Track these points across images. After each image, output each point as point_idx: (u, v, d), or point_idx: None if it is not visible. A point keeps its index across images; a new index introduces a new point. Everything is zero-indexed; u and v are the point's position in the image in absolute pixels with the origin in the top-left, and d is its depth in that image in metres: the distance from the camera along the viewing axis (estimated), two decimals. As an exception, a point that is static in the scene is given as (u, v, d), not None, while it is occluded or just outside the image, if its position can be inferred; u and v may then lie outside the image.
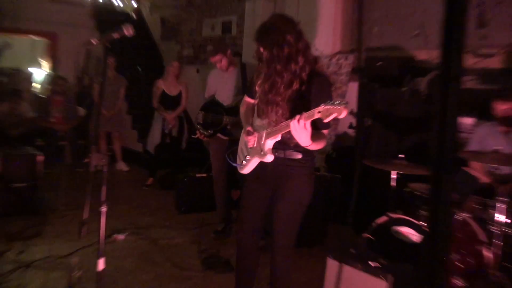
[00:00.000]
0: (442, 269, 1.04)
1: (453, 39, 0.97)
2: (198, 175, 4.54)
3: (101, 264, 1.96)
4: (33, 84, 7.14)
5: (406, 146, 3.85)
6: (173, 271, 3.10)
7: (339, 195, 3.88)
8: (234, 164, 2.41)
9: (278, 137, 2.07)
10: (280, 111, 2.03)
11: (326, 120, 1.71)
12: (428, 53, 4.07)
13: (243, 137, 2.37)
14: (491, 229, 2.59)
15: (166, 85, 5.28)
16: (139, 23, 7.73)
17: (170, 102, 5.29)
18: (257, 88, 2.15)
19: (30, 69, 7.46)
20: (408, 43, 4.32)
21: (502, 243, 2.53)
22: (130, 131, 6.92)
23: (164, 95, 5.26)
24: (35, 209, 3.96)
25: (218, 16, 6.84)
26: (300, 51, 1.98)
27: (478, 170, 3.10)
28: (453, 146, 0.91)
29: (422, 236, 2.61)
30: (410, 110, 3.98)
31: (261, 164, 2.19)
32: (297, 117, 1.82)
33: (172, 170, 5.50)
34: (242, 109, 2.45)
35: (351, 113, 4.32)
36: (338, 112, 1.66)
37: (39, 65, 7.63)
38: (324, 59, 4.82)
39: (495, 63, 3.73)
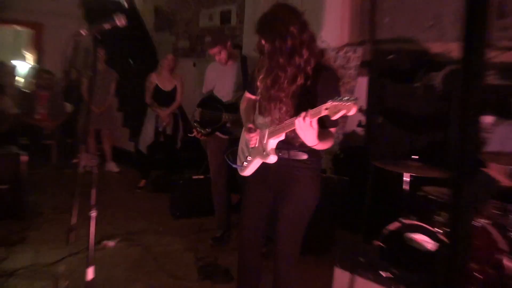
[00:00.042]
0: (462, 280, 1.03)
1: (475, 31, 0.96)
2: (194, 177, 4.53)
3: (90, 273, 1.96)
4: (17, 78, 7.13)
5: (420, 146, 3.84)
6: (167, 281, 3.10)
7: (347, 199, 3.87)
8: (234, 166, 2.41)
9: (282, 136, 2.07)
10: (284, 108, 2.03)
11: (334, 118, 1.71)
12: (443, 46, 4.05)
13: (243, 136, 2.37)
14: (512, 237, 2.58)
15: (160, 80, 5.28)
16: (131, 12, 7.72)
17: (164, 97, 5.28)
18: (258, 84, 2.15)
19: (14, 62, 7.45)
20: (422, 35, 4.30)
21: (524, 252, 2.52)
22: (121, 129, 6.91)
23: (157, 90, 5.26)
24: (18, 213, 3.95)
25: (216, 5, 6.83)
26: (304, 43, 1.98)
27: (497, 172, 3.09)
28: (475, 147, 0.91)
29: (438, 244, 2.60)
30: (424, 107, 3.97)
31: (264, 166, 2.19)
32: (303, 114, 1.82)
33: (166, 172, 5.49)
34: (242, 106, 2.45)
35: (360, 110, 4.32)
36: (347, 109, 1.66)
37: (23, 58, 7.62)
38: (331, 52, 4.81)
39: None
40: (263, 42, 2.03)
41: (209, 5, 6.96)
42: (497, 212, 2.77)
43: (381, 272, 2.36)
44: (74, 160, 5.71)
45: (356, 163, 4.14)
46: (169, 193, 4.60)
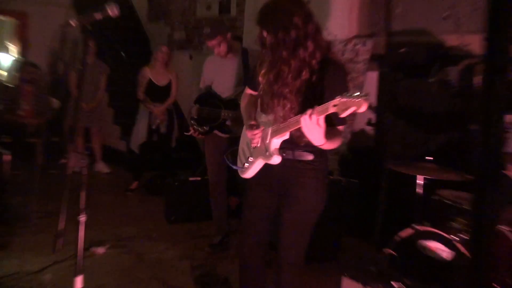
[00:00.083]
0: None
1: (498, 26, 0.95)
2: (190, 179, 4.53)
3: (78, 283, 1.95)
4: (-1, 71, 7.14)
5: (435, 147, 3.83)
6: (161, 290, 3.10)
7: (355, 203, 3.86)
8: (234, 167, 2.41)
9: (286, 135, 2.07)
10: (288, 105, 2.03)
11: (342, 115, 1.70)
12: (459, 38, 4.04)
13: (244, 135, 2.36)
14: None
15: (154, 74, 5.27)
16: (122, 1, 7.71)
17: (158, 93, 5.28)
18: (260, 79, 2.14)
19: (-4, 54, 7.45)
20: (436, 26, 4.29)
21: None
22: (111, 127, 6.91)
23: (151, 85, 5.25)
24: (1, 217, 3.94)
25: (214, -7, 6.83)
26: (309, 35, 1.97)
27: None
28: (499, 148, 0.90)
29: (454, 253, 2.59)
30: (439, 104, 3.96)
31: (266, 167, 2.19)
32: (309, 111, 1.81)
33: (160, 173, 5.49)
34: (242, 103, 2.44)
35: (369, 107, 4.30)
36: (357, 106, 1.65)
37: (5, 50, 7.62)
38: (338, 45, 4.80)
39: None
40: (265, 34, 2.03)
41: (207, -7, 6.95)
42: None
43: (392, 283, 2.36)
44: (62, 161, 5.71)
45: (365, 165, 4.13)
46: (163, 196, 4.60)
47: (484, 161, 0.92)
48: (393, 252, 2.85)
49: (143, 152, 5.40)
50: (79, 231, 1.89)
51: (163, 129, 5.36)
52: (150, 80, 5.25)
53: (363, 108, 1.66)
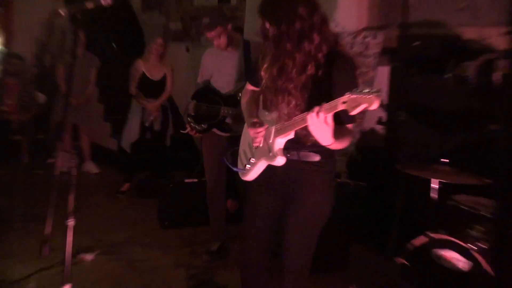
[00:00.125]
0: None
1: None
2: (186, 181, 4.52)
3: (66, 292, 1.95)
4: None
5: (450, 148, 3.82)
6: (155, 301, 3.11)
7: (364, 208, 3.86)
8: (234, 169, 2.41)
9: (291, 135, 2.07)
10: (293, 102, 2.03)
11: (353, 113, 1.70)
12: (478, 31, 4.03)
13: (246, 134, 2.36)
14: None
15: (148, 67, 5.27)
16: (114, -12, 7.70)
17: (152, 87, 5.29)
18: (262, 73, 2.14)
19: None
20: (453, 18, 4.28)
21: None
22: (101, 124, 6.90)
23: (144, 79, 5.26)
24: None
25: (213, -19, 6.82)
26: (315, 26, 1.97)
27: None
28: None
29: (471, 263, 2.59)
30: (455, 102, 3.95)
31: (269, 169, 2.18)
32: (316, 109, 1.81)
33: (154, 174, 5.49)
34: (243, 100, 2.45)
35: (380, 105, 4.30)
36: (369, 103, 1.66)
37: (-12, 40, 7.61)
38: (347, 37, 4.79)
39: None
40: (267, 25, 2.03)
41: (205, -20, 6.95)
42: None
43: (404, 294, 2.35)
44: (50, 160, 5.70)
45: (375, 167, 4.12)
46: (157, 199, 4.59)
47: (507, 164, 0.91)
48: (406, 262, 2.84)
49: (135, 151, 5.40)
50: (67, 236, 1.89)
51: (157, 127, 5.37)
52: (143, 73, 5.25)
53: (375, 105, 1.66)
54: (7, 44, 7.31)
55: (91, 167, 6.19)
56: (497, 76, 3.63)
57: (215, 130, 3.56)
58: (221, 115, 3.50)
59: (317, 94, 1.97)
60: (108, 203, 5.08)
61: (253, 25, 5.25)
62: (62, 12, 1.99)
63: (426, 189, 2.97)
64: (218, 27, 3.40)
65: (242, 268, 2.36)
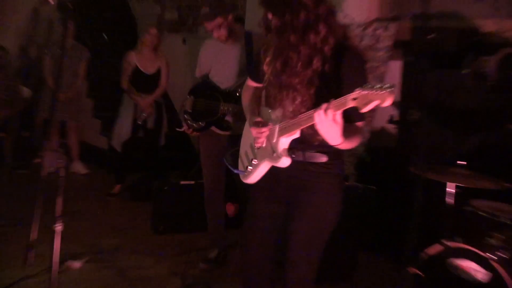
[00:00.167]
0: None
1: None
2: (182, 183, 4.53)
3: (52, 302, 1.94)
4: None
5: (468, 150, 3.82)
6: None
7: (374, 213, 3.86)
8: (235, 171, 2.40)
9: (297, 134, 2.07)
10: (299, 99, 2.03)
11: (363, 110, 1.70)
12: (497, 23, 4.04)
13: (247, 133, 2.36)
14: None
15: (141, 60, 5.28)
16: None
17: (145, 82, 5.29)
18: (265, 68, 2.14)
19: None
20: (471, 9, 4.28)
21: None
22: (90, 120, 6.91)
23: (137, 72, 5.26)
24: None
25: (212, -33, 6.81)
26: (321, 17, 1.97)
27: None
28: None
29: (490, 273, 2.58)
30: (473, 100, 3.96)
31: (273, 171, 2.18)
32: (324, 106, 1.81)
33: (147, 175, 5.49)
34: (244, 97, 2.45)
35: (391, 104, 4.29)
36: (381, 99, 1.66)
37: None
38: (356, 29, 4.78)
39: None
40: (269, 16, 2.03)
41: (204, -33, 6.95)
42: None
43: (417, 307, 2.35)
44: (36, 160, 5.69)
45: (386, 169, 4.12)
46: (150, 202, 4.59)
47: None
48: (419, 272, 2.84)
49: (127, 151, 5.40)
50: (55, 242, 1.89)
51: (150, 124, 5.37)
52: (136, 67, 5.26)
53: (388, 102, 1.66)
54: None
55: (79, 168, 6.19)
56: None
57: (213, 128, 3.55)
58: (221, 112, 3.49)
59: (324, 90, 1.98)
60: (98, 207, 5.08)
61: (255, 15, 5.25)
62: (50, 0, 1.99)
63: (442, 193, 2.97)
64: (218, 17, 3.39)
65: (243, 278, 2.36)
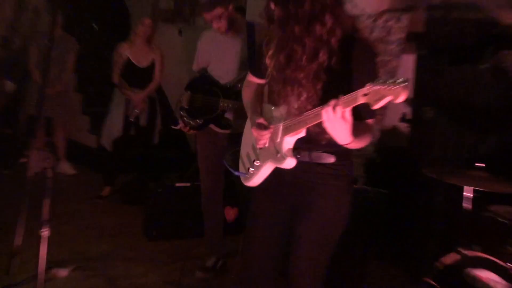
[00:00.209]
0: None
1: None
2: (177, 185, 4.53)
3: (37, 314, 1.94)
4: None
5: (486, 150, 3.82)
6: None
7: (385, 219, 3.85)
8: (236, 173, 2.40)
9: (302, 133, 2.06)
10: (305, 95, 2.03)
11: (375, 106, 1.70)
12: (519, 15, 4.04)
13: (248, 132, 2.35)
14: None
15: (133, 52, 5.29)
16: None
17: (138, 76, 5.30)
18: (267, 61, 2.13)
19: None
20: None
21: None
22: (78, 117, 6.91)
23: (129, 65, 5.27)
24: None
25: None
26: (327, 7, 1.96)
27: None
28: None
29: (511, 285, 2.58)
30: (492, 97, 3.95)
31: (276, 172, 2.18)
32: (332, 102, 1.80)
33: (139, 176, 5.49)
34: (245, 93, 2.45)
35: (404, 100, 4.29)
36: (394, 95, 1.65)
37: None
38: (366, 20, 4.79)
39: None
40: (272, 5, 2.03)
41: (202, -48, 6.95)
42: None
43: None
44: (22, 160, 5.69)
45: (398, 171, 4.12)
46: (143, 206, 4.59)
47: None
48: (434, 283, 2.83)
49: (118, 150, 5.41)
50: (41, 248, 1.88)
51: (143, 122, 5.37)
52: (128, 59, 5.26)
53: (402, 97, 1.65)
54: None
55: (66, 168, 6.20)
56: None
57: (212, 126, 3.56)
58: (220, 109, 3.49)
59: (332, 85, 1.97)
60: (86, 210, 5.08)
61: (256, 4, 5.25)
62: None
63: (458, 198, 2.97)
64: (218, 7, 3.39)
65: (243, 288, 2.36)
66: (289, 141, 2.09)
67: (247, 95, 2.42)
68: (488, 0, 4.28)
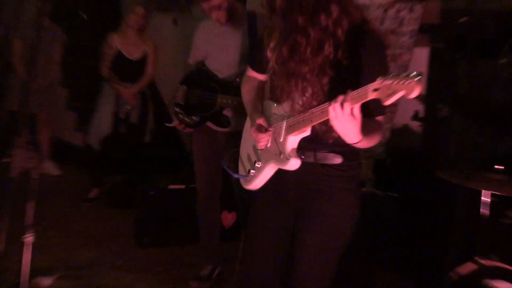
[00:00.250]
0: None
1: None
2: (171, 187, 4.54)
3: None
4: None
5: (506, 151, 3.82)
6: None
7: (395, 225, 3.86)
8: (235, 175, 2.40)
9: (307, 131, 2.06)
10: (310, 90, 2.03)
11: (387, 102, 1.70)
12: (541, 6, 4.05)
13: (249, 131, 2.34)
14: None
15: (124, 43, 5.30)
16: None
17: (129, 69, 5.32)
18: (269, 54, 2.13)
19: None
20: (510, -11, 4.29)
21: None
22: (64, 113, 6.90)
23: (120, 58, 5.29)
24: None
25: None
26: (333, -4, 1.97)
27: None
28: None
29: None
30: (512, 94, 3.96)
31: (279, 174, 2.18)
32: (340, 98, 1.80)
33: (130, 178, 5.49)
34: (244, 89, 2.45)
35: (417, 96, 4.30)
36: (407, 90, 1.64)
37: None
38: (376, 10, 4.79)
39: None
40: (274, -6, 2.03)
41: None
42: None
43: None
44: (5, 160, 5.69)
45: (410, 173, 4.12)
46: (133, 210, 4.59)
47: None
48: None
49: (107, 149, 5.42)
50: (24, 255, 1.88)
51: (134, 119, 5.38)
52: (118, 51, 5.27)
53: (415, 92, 1.65)
54: None
55: (50, 168, 6.20)
56: None
57: (209, 124, 3.55)
58: (218, 106, 3.48)
59: (339, 80, 1.98)
60: (72, 214, 5.09)
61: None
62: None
63: (475, 203, 2.97)
64: (219, -5, 3.39)
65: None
66: (293, 141, 2.09)
67: (246, 92, 2.42)
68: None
